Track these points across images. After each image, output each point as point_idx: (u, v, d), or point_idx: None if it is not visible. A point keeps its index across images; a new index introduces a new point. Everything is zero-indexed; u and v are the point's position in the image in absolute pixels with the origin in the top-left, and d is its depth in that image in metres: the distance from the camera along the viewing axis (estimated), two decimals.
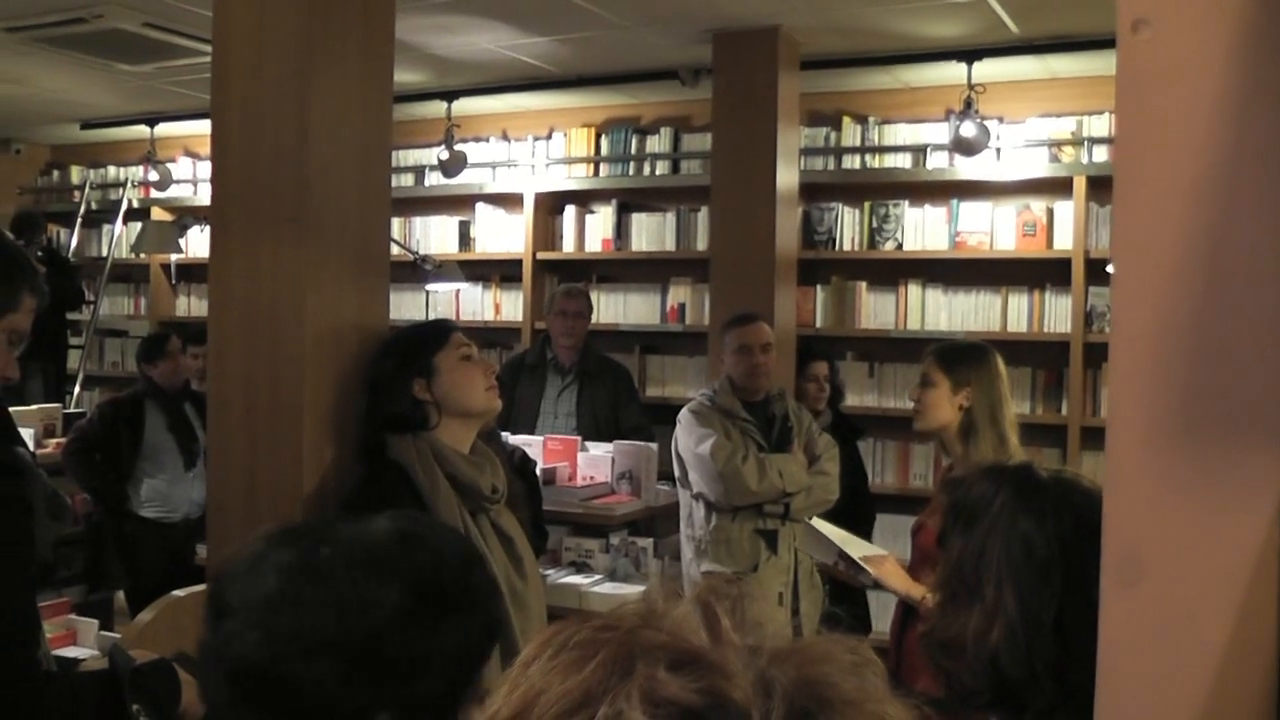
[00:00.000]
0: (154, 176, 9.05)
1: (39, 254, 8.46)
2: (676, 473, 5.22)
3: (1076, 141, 6.82)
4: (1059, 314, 6.81)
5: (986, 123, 6.64)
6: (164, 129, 8.97)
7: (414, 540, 1.62)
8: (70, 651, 3.91)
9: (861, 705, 0.82)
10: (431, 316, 8.03)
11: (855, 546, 4.05)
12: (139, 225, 9.06)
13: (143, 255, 9.34)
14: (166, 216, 9.35)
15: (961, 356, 3.92)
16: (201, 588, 2.77)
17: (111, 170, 10.00)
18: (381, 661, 1.52)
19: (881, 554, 4.00)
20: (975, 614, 1.92)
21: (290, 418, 3.27)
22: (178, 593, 3.38)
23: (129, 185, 9.64)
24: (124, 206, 9.57)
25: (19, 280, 2.28)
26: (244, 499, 3.33)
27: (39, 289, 2.33)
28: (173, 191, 9.29)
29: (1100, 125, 6.79)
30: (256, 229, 3.32)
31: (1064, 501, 1.95)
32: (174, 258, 9.29)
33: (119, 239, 9.63)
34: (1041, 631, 1.87)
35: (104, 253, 9.77)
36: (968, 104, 6.48)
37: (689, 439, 5.09)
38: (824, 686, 0.81)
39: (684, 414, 5.20)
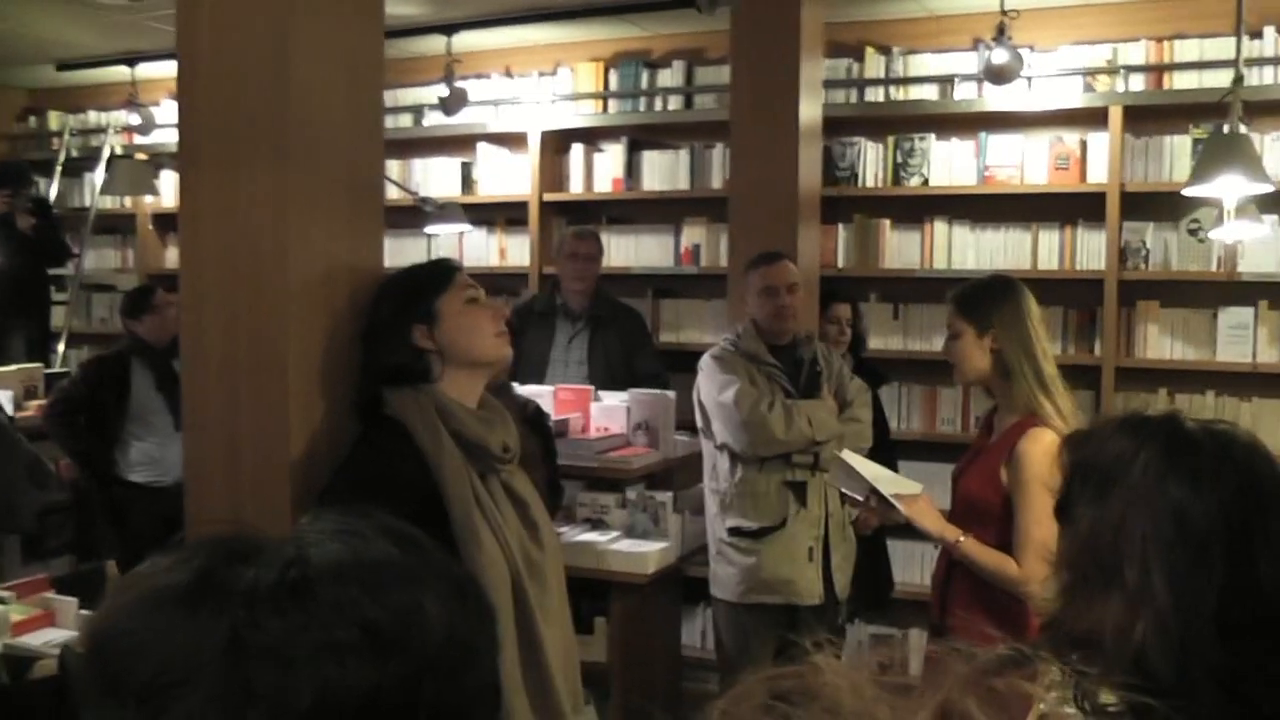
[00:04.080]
0: (136, 120, 8.60)
1: (29, 206, 8.15)
2: (699, 422, 4.98)
3: (1112, 70, 6.52)
4: (1092, 251, 6.55)
5: (1018, 51, 6.30)
6: (145, 70, 8.51)
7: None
8: (47, 635, 3.65)
9: None
10: None
11: (888, 482, 3.81)
12: None
13: (128, 204, 9.01)
14: None
15: (981, 297, 3.68)
16: None
17: (92, 115, 9.59)
18: None
19: (915, 491, 3.75)
20: (1114, 602, 1.57)
21: (274, 373, 2.92)
22: None
23: (110, 131, 9.22)
24: (106, 153, 9.11)
25: None
26: (225, 465, 2.99)
27: None
28: (156, 136, 8.83)
29: (1137, 53, 6.49)
30: (232, 161, 2.95)
31: (1224, 460, 1.60)
32: (148, 200, 8.87)
33: (102, 188, 9.24)
34: (1200, 623, 1.52)
35: (87, 202, 9.37)
36: (1000, 30, 6.13)
37: (711, 387, 4.85)
38: None
39: (706, 360, 4.94)
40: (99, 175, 9.07)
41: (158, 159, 8.40)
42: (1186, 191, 4.63)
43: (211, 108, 2.99)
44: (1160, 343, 6.45)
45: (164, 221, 9.10)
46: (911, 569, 6.57)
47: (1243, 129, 4.50)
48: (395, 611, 1.05)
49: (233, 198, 2.95)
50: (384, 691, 1.01)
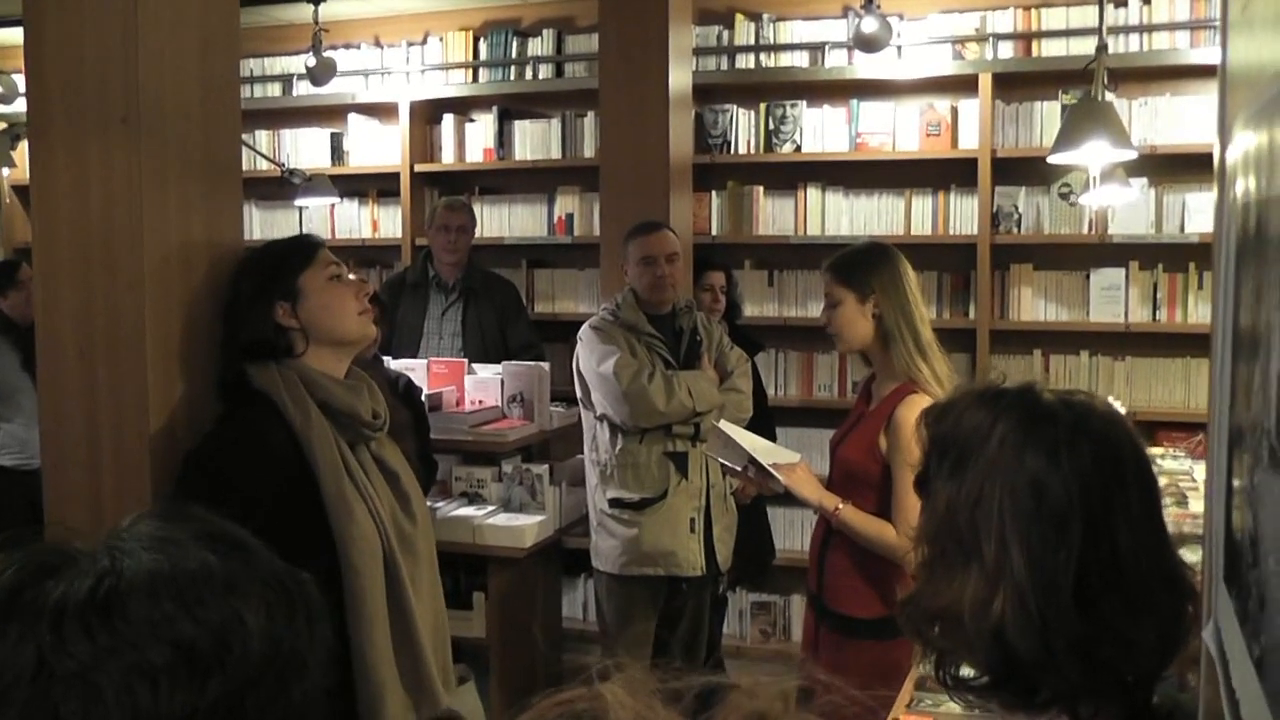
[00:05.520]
0: None
1: None
2: (578, 393, 4.94)
3: (980, 38, 6.57)
4: (965, 216, 6.62)
5: (887, 19, 6.30)
6: (6, 35, 8.19)
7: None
8: None
9: None
10: None
11: (765, 452, 3.80)
12: None
13: None
14: None
15: (859, 263, 3.67)
16: None
17: None
18: None
19: (793, 460, 3.75)
20: (972, 578, 1.55)
21: (132, 351, 2.83)
22: None
23: None
24: None
25: None
26: (85, 448, 2.89)
27: None
28: (19, 106, 8.56)
29: (1004, 21, 6.55)
30: (82, 132, 2.85)
31: (1080, 431, 1.57)
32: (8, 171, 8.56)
33: None
34: (1059, 598, 1.50)
35: None
36: None
37: (590, 357, 4.80)
38: None
39: (585, 330, 4.89)
40: None
41: (15, 129, 8.14)
42: (1051, 158, 4.69)
43: (59, 76, 2.88)
44: (1034, 305, 6.54)
45: (28, 194, 8.80)
46: (792, 536, 6.62)
47: (1109, 96, 4.54)
48: (212, 627, 0.99)
49: (83, 170, 2.85)
50: (202, 714, 0.96)
